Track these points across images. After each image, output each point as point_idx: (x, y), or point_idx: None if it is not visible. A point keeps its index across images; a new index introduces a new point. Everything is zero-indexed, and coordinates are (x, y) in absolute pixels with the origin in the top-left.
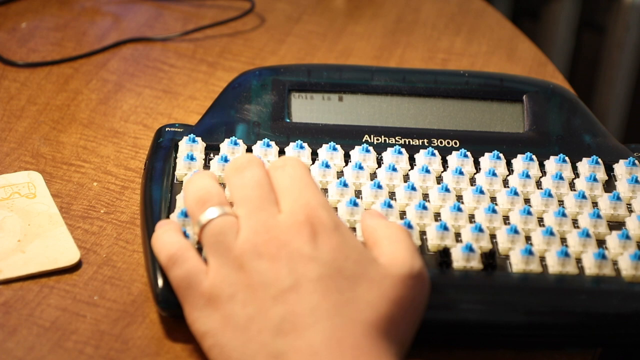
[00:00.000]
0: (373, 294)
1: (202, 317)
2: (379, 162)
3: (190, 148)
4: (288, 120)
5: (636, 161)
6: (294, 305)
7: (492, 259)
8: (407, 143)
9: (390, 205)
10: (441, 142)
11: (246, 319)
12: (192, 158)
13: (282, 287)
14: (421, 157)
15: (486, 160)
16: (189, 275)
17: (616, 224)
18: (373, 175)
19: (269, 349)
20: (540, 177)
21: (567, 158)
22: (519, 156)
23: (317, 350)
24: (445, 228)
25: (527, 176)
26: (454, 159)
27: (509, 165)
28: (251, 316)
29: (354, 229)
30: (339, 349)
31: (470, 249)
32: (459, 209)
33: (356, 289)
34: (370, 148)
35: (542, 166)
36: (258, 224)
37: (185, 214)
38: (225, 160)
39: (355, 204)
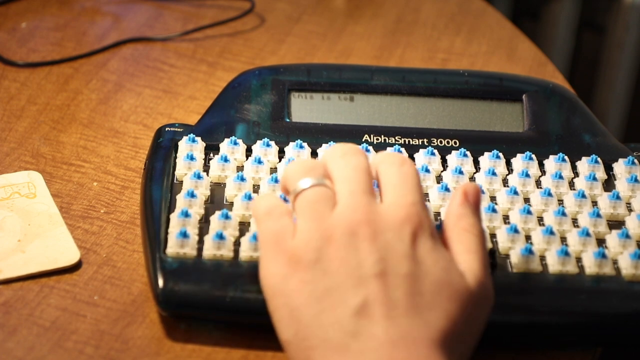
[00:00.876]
0: (452, 305)
1: (279, 275)
2: None
3: (190, 148)
4: (288, 120)
5: (635, 160)
6: (376, 293)
7: (492, 258)
8: (406, 143)
9: None
10: (441, 142)
11: (324, 289)
12: (192, 158)
13: (368, 272)
14: (421, 156)
15: (486, 159)
16: (280, 230)
17: (616, 223)
18: None
19: (344, 325)
20: (540, 176)
21: (566, 157)
22: (519, 155)
23: (394, 342)
24: None
25: (527, 175)
26: (453, 158)
27: (508, 164)
28: (330, 288)
29: None
30: (414, 347)
31: None
32: None
33: (438, 296)
34: (370, 148)
35: (541, 165)
36: (358, 203)
37: (185, 214)
38: (225, 160)
39: None
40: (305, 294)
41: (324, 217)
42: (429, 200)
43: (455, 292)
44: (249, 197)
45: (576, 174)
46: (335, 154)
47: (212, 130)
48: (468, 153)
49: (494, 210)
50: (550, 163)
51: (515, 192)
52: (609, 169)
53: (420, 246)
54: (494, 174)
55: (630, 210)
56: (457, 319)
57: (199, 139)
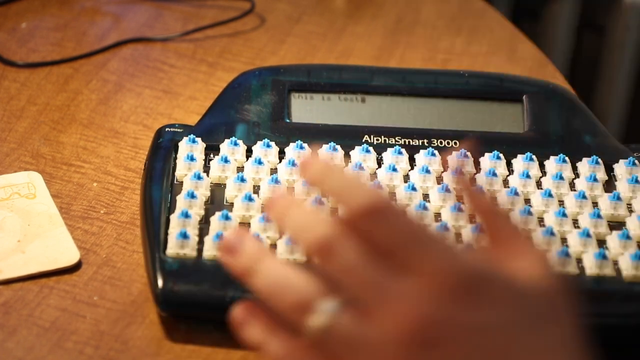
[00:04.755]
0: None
1: None
2: (379, 162)
3: (190, 149)
4: (288, 121)
5: (636, 161)
6: None
7: None
8: (407, 143)
9: None
10: (441, 142)
11: None
12: (192, 159)
13: None
14: (421, 157)
15: (486, 160)
16: None
17: (616, 224)
18: (373, 176)
19: None
20: (541, 177)
21: (567, 158)
22: (519, 156)
23: None
24: (446, 228)
25: (528, 176)
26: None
27: (509, 165)
28: None
29: None
30: None
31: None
32: (459, 209)
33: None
34: (371, 148)
35: (542, 166)
36: (396, 305)
37: (186, 215)
38: (226, 160)
39: None
40: None
41: (374, 346)
42: (429, 201)
43: (546, 321)
44: (249, 198)
45: (577, 175)
46: (312, 252)
47: (212, 130)
48: (469, 154)
49: None
50: (551, 164)
51: (516, 193)
52: (609, 170)
53: (490, 301)
54: (494, 174)
55: (630, 211)
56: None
57: (199, 139)
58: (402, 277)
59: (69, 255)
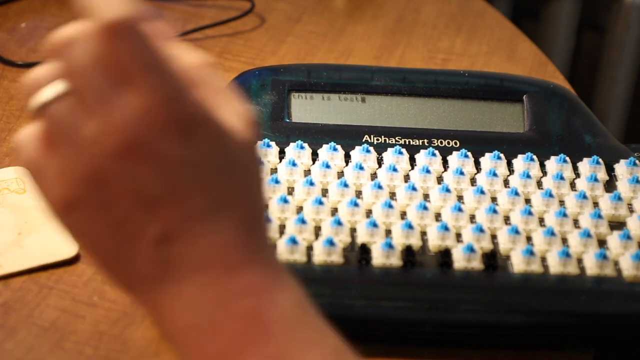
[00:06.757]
0: (247, 181)
1: (67, 226)
2: (380, 162)
3: None
4: (288, 120)
5: (637, 161)
6: (171, 216)
7: (493, 259)
8: (407, 143)
9: (391, 206)
10: (441, 142)
11: (113, 222)
12: None
13: (152, 194)
14: (422, 157)
15: (487, 160)
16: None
17: (617, 224)
18: (373, 176)
19: (151, 256)
20: (541, 177)
21: (567, 158)
22: (520, 156)
23: (212, 255)
24: (446, 228)
25: (528, 176)
26: (454, 159)
27: (509, 165)
28: (119, 220)
29: (354, 230)
30: (225, 249)
31: (471, 249)
32: (460, 209)
33: (229, 180)
34: (371, 148)
35: (542, 166)
36: (111, 116)
37: None
38: None
39: (356, 205)
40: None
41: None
42: (429, 201)
43: (244, 168)
44: None
45: (577, 175)
46: (56, 46)
47: None
48: (469, 154)
49: (495, 211)
50: (552, 164)
51: (516, 193)
52: (610, 170)
53: (200, 142)
54: (495, 174)
55: (631, 211)
56: (256, 196)
57: None
58: (126, 95)
59: (67, 247)
